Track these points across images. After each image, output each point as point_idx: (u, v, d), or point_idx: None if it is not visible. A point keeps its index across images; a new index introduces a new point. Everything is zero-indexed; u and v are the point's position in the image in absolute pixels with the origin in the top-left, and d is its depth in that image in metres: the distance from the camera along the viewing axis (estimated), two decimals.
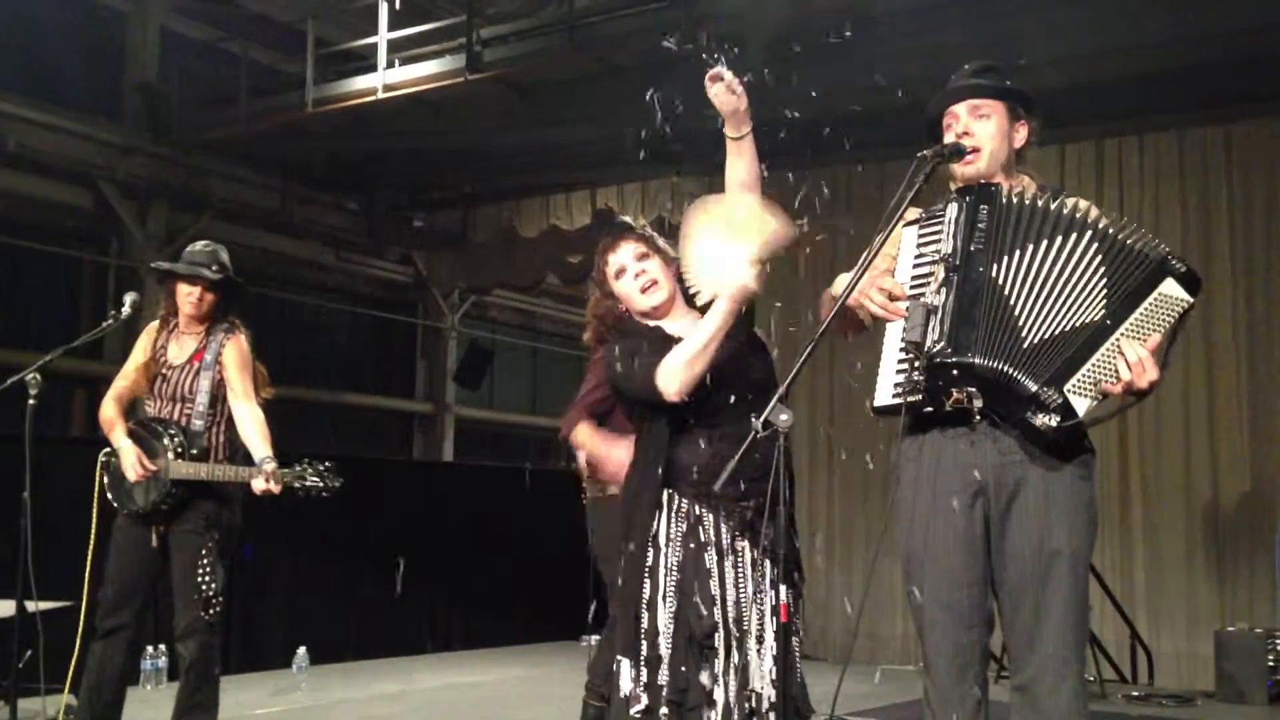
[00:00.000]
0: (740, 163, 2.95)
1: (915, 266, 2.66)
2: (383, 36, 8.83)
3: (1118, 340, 2.51)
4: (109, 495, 4.22)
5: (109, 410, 4.25)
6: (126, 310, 4.35)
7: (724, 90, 2.85)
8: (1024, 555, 2.57)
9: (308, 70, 9.14)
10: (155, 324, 4.32)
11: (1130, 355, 2.48)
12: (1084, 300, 2.53)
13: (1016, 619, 2.58)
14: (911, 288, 2.63)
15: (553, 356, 15.76)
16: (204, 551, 4.10)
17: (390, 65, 8.81)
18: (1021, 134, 2.77)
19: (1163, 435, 7.77)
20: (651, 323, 3.04)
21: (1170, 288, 2.54)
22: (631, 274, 3.04)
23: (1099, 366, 2.50)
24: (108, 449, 4.23)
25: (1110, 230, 2.56)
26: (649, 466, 2.92)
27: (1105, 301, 2.52)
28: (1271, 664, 6.26)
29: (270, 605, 7.81)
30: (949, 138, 2.74)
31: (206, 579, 4.09)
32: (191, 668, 4.12)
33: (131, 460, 4.08)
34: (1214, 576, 7.58)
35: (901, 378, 2.58)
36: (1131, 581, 7.78)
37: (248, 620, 7.53)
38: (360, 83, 9.03)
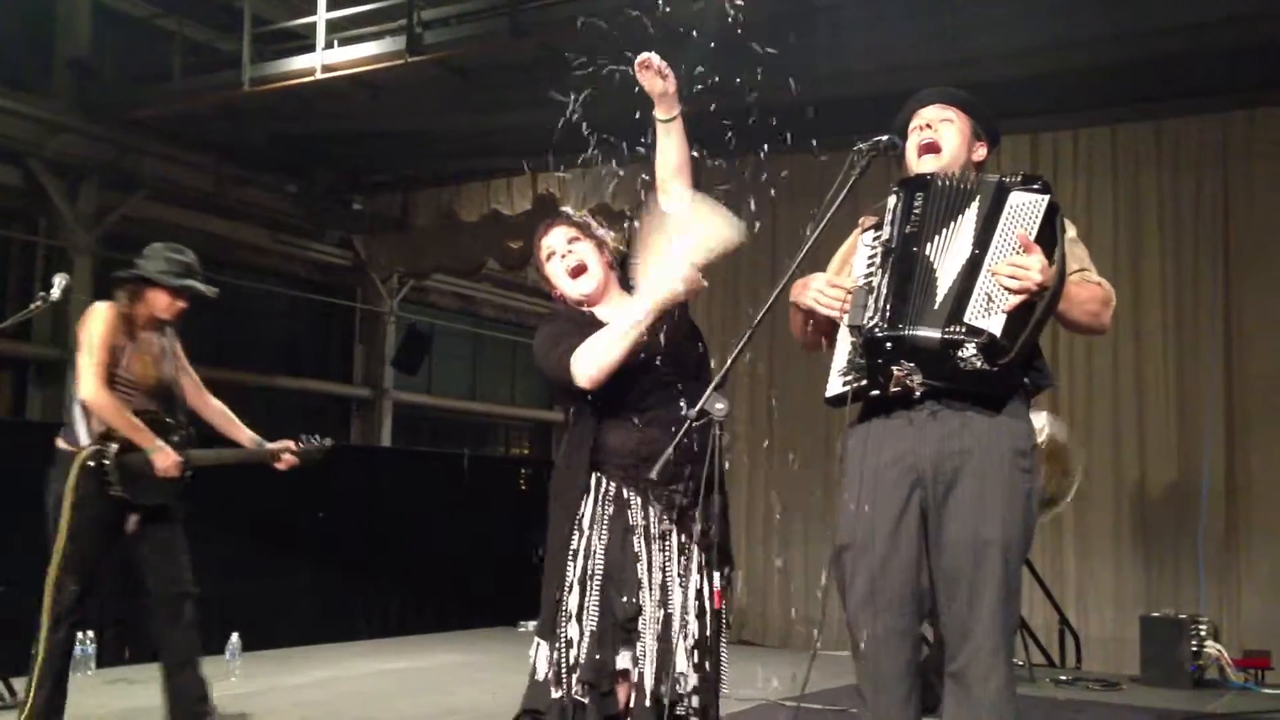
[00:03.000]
0: (670, 145, 2.97)
1: (867, 264, 2.72)
2: (321, 16, 8.72)
3: (990, 261, 2.56)
4: (119, 491, 4.14)
5: (114, 404, 4.13)
6: (56, 293, 4.27)
7: (652, 74, 2.88)
8: (958, 545, 2.61)
9: (244, 49, 8.99)
10: (113, 310, 4.19)
11: (1003, 267, 2.52)
12: (965, 250, 2.61)
13: (950, 608, 2.63)
14: (864, 279, 2.70)
15: (493, 342, 15.69)
16: (183, 538, 4.33)
17: (329, 45, 8.69)
18: (981, 152, 2.87)
19: (1093, 426, 7.92)
20: (585, 309, 3.06)
21: (1016, 199, 2.61)
22: (559, 255, 3.07)
23: (984, 287, 2.54)
24: (97, 448, 4.11)
25: (982, 185, 2.65)
26: (577, 449, 2.94)
27: (973, 239, 2.60)
28: (1194, 648, 6.41)
29: (203, 592, 7.69)
30: (913, 138, 2.82)
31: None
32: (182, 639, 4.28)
33: (172, 461, 4.16)
34: (1141, 563, 7.75)
35: (846, 363, 2.62)
36: (1061, 568, 7.93)
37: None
38: (298, 62, 8.90)
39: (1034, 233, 2.55)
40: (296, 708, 5.81)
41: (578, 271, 3.04)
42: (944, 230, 2.63)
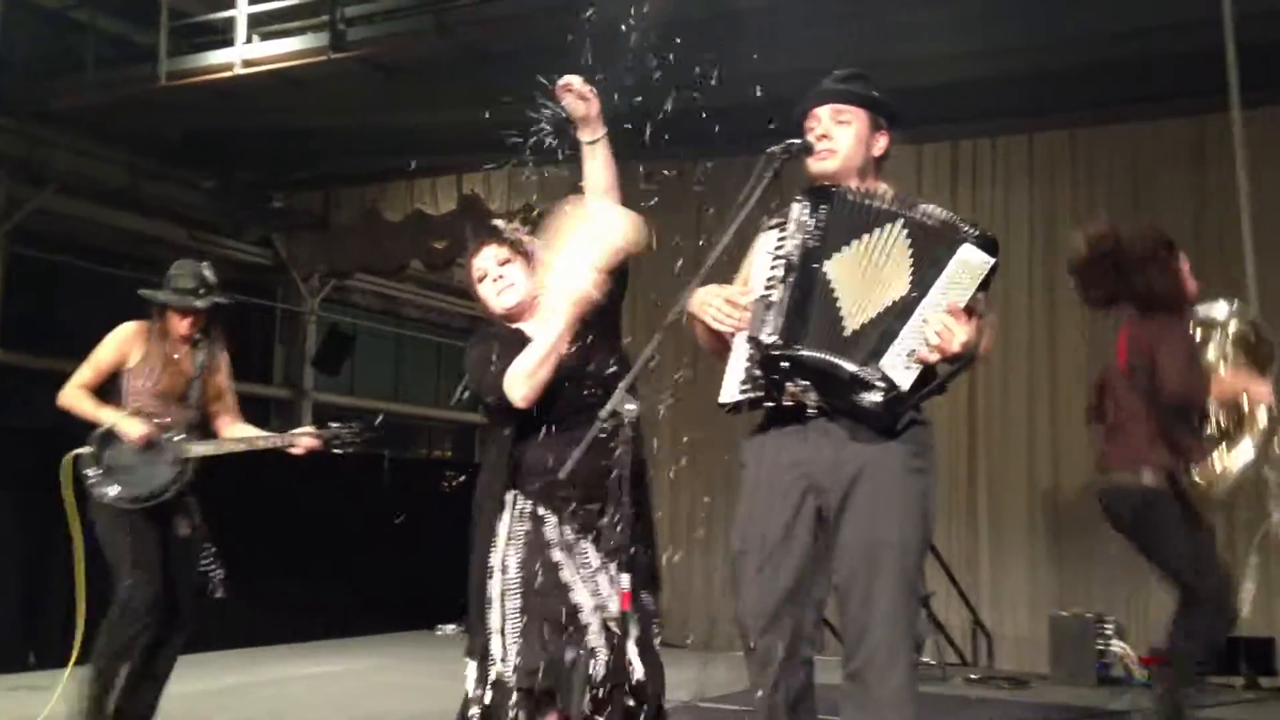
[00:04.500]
0: (595, 166, 2.97)
1: (771, 269, 2.71)
2: (242, 10, 8.55)
3: (924, 310, 2.57)
4: (101, 491, 4.25)
5: (81, 396, 4.34)
6: None
7: (574, 98, 2.87)
8: (854, 548, 2.63)
9: (161, 42, 8.80)
10: (136, 327, 4.42)
11: (935, 322, 2.55)
12: (894, 280, 2.60)
13: (848, 609, 2.65)
14: (764, 289, 2.68)
15: (416, 343, 15.56)
16: (206, 541, 4.51)
17: (249, 40, 8.54)
18: (881, 144, 2.84)
19: (1009, 429, 8.06)
20: (513, 325, 3.07)
21: (967, 253, 2.61)
22: (491, 279, 3.08)
23: (910, 337, 2.57)
24: (78, 450, 4.30)
25: (916, 213, 2.64)
26: (494, 468, 2.96)
27: (911, 276, 2.59)
28: (1100, 647, 6.55)
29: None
30: (809, 138, 2.80)
31: (213, 566, 4.52)
32: (177, 648, 4.43)
33: (139, 428, 4.24)
34: (1053, 563, 7.90)
35: (743, 373, 2.63)
36: (977, 568, 8.06)
37: (92, 610, 7.26)
38: (217, 57, 8.73)
39: (970, 294, 2.58)
40: (208, 713, 5.72)
41: (504, 290, 3.07)
42: (849, 248, 2.63)
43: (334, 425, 4.48)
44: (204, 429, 4.56)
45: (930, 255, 2.60)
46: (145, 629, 4.26)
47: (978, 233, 2.63)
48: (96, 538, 4.35)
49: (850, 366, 2.56)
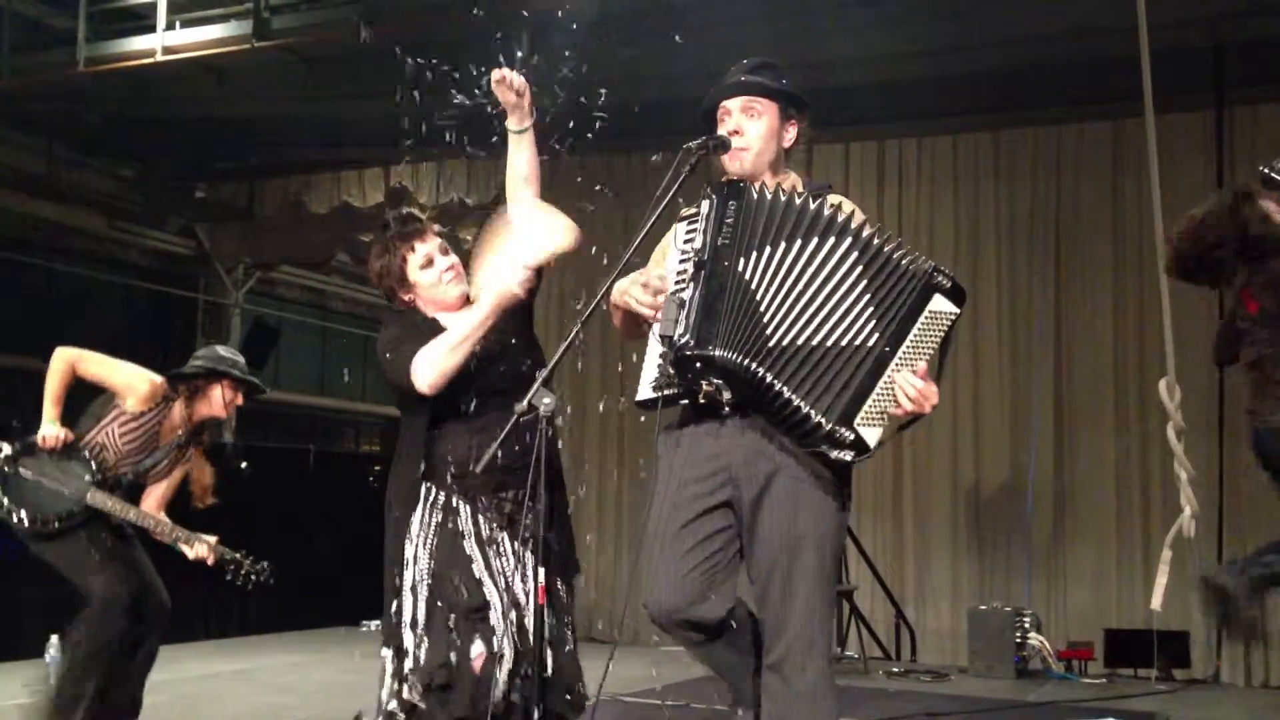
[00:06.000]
0: (520, 156, 3.02)
1: (680, 263, 2.69)
2: None
3: (897, 368, 2.56)
4: (24, 515, 4.14)
5: (63, 376, 4.16)
6: None
7: (506, 89, 2.90)
8: (771, 541, 2.64)
9: (79, 27, 8.61)
10: (155, 386, 4.24)
11: (910, 389, 2.55)
12: (848, 313, 2.56)
13: (766, 601, 2.67)
14: (675, 283, 2.67)
15: (343, 336, 15.39)
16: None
17: (171, 26, 8.38)
18: (791, 134, 2.84)
19: (933, 427, 8.17)
20: (433, 314, 3.05)
21: (939, 303, 2.60)
22: (442, 266, 3.06)
23: (883, 396, 2.57)
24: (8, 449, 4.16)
25: (872, 239, 2.59)
26: (408, 459, 2.95)
27: (875, 322, 2.55)
28: (1018, 640, 6.67)
29: (28, 592, 7.35)
30: (721, 131, 2.79)
31: None
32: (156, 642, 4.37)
33: (54, 434, 4.10)
34: (974, 558, 8.04)
35: (657, 371, 2.64)
36: (901, 564, 8.17)
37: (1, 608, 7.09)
38: (138, 43, 8.55)
39: (936, 346, 2.59)
40: None
41: (454, 279, 3.06)
42: (770, 249, 2.58)
43: (240, 553, 4.44)
44: (134, 489, 4.42)
45: (897, 299, 2.57)
46: (126, 625, 4.19)
47: (950, 284, 2.60)
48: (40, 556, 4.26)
49: (823, 421, 2.53)
